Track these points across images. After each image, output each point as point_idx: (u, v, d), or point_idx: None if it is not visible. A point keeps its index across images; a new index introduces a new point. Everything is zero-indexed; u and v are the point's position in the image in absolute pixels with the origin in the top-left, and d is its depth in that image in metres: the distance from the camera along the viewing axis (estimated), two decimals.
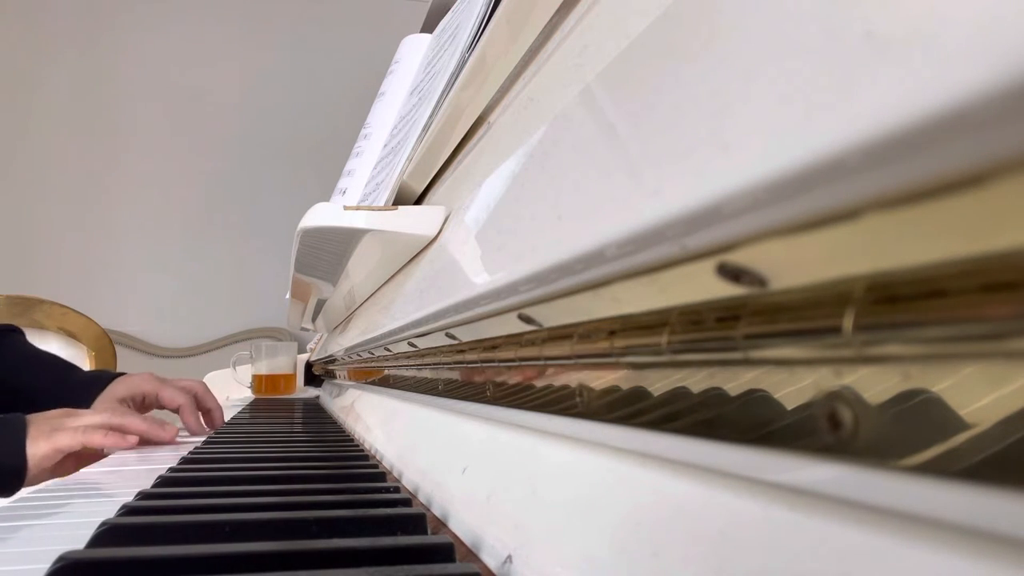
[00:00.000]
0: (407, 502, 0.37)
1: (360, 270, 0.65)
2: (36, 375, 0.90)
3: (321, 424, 0.91)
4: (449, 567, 0.26)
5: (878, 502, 0.13)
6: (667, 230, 0.16)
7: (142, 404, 0.92)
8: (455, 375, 0.42)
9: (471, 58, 0.45)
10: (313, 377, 1.64)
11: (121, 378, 0.94)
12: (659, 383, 0.19)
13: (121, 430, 0.77)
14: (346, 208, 0.51)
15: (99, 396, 0.90)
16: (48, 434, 0.75)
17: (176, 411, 0.92)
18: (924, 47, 0.09)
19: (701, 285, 0.16)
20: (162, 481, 0.45)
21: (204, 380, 1.18)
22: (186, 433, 0.90)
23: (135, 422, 0.78)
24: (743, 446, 0.16)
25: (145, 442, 0.79)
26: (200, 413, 0.93)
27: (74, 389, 0.92)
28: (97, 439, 0.75)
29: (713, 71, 0.15)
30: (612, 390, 0.22)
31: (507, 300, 0.28)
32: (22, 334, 1.06)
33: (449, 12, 0.70)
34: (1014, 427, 0.10)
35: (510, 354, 0.30)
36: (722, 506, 0.17)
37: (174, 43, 2.73)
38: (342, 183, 0.84)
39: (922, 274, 0.11)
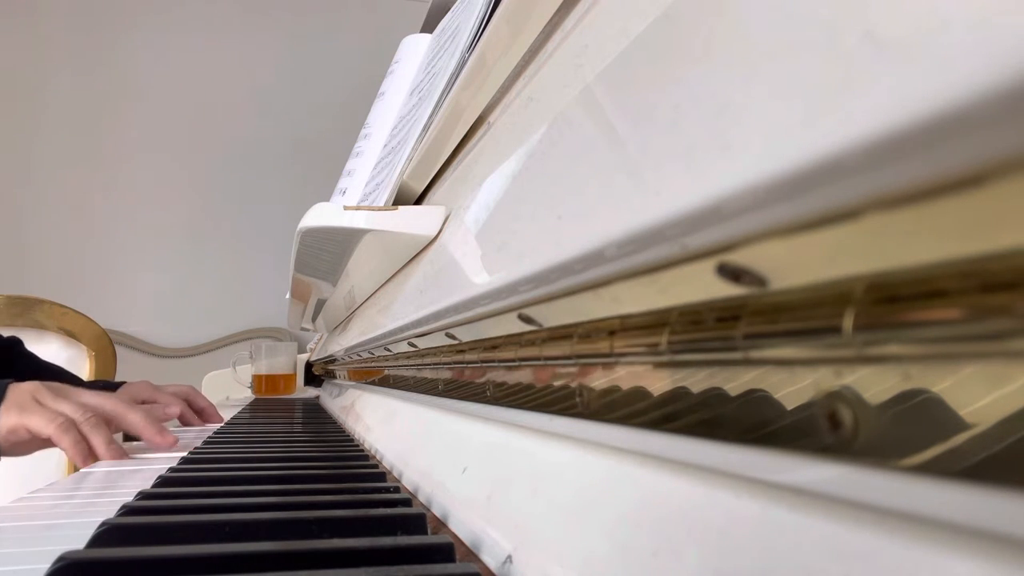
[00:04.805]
0: (407, 502, 0.37)
1: (360, 270, 0.65)
2: None
3: (321, 424, 0.91)
4: (449, 567, 0.26)
5: (878, 502, 0.13)
6: (667, 230, 0.16)
7: None
8: (455, 375, 0.42)
9: (471, 58, 0.45)
10: (313, 377, 1.64)
11: (123, 387, 0.98)
12: (659, 383, 0.19)
13: (86, 439, 0.69)
14: (346, 208, 0.51)
15: None
16: (22, 408, 0.70)
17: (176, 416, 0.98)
18: (924, 47, 0.09)
19: (701, 285, 0.16)
20: (162, 481, 0.45)
21: (204, 380, 1.19)
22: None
23: (99, 442, 0.69)
24: (743, 446, 0.16)
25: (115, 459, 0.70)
26: (195, 412, 1.00)
27: None
28: (65, 444, 0.68)
29: (713, 71, 0.15)
30: (612, 390, 0.22)
31: (507, 300, 0.28)
32: (23, 344, 1.09)
33: (449, 12, 0.70)
34: (1014, 427, 0.10)
35: (510, 354, 0.30)
36: (722, 506, 0.17)
37: (173, 43, 2.73)
38: (342, 183, 0.84)
39: (922, 274, 0.11)
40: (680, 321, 0.17)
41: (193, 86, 2.73)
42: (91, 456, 0.69)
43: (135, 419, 0.74)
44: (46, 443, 0.72)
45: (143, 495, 0.39)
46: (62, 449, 0.69)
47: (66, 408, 0.71)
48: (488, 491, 0.32)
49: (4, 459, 0.74)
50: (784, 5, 0.13)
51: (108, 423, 0.73)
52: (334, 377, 1.34)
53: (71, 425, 0.69)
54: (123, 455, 0.70)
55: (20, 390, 0.72)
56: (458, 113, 0.48)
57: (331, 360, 1.18)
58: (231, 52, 2.77)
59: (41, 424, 0.69)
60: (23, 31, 2.63)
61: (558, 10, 0.36)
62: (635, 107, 0.19)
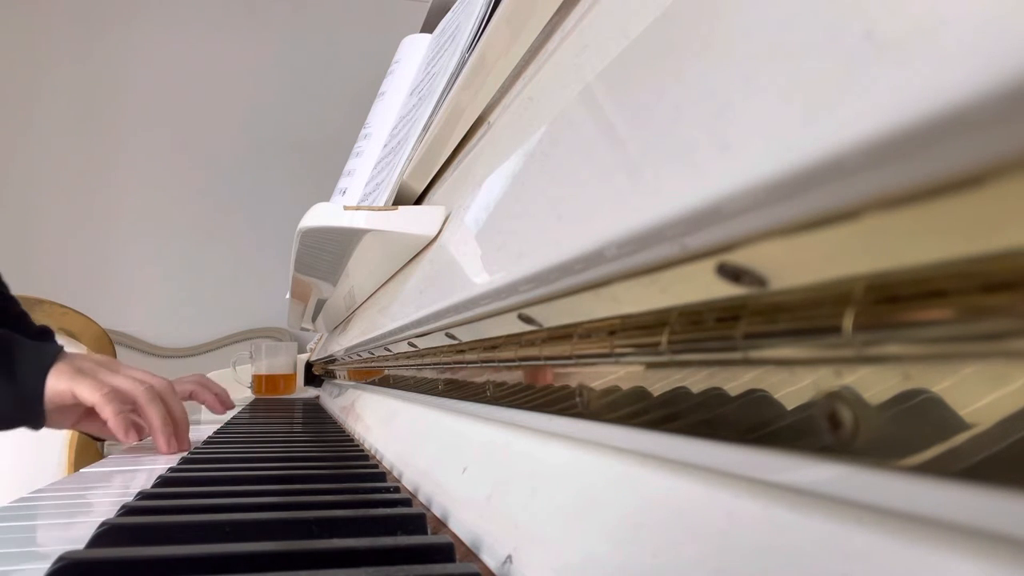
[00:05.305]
0: (407, 502, 0.37)
1: (360, 270, 0.65)
2: None
3: (321, 424, 0.91)
4: (449, 567, 0.26)
5: (878, 502, 0.13)
6: (667, 230, 0.16)
7: None
8: (455, 375, 0.42)
9: (471, 58, 0.45)
10: (313, 377, 1.64)
11: None
12: (659, 383, 0.19)
13: (142, 411, 0.71)
14: (346, 208, 0.51)
15: None
16: (73, 374, 0.70)
17: (189, 397, 0.96)
18: (924, 47, 0.09)
19: (701, 285, 0.16)
20: (162, 481, 0.45)
21: None
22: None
23: (156, 415, 0.71)
24: (743, 446, 0.16)
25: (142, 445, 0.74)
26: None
27: None
28: (108, 412, 0.68)
29: (713, 71, 0.15)
30: (612, 390, 0.22)
31: (507, 300, 0.28)
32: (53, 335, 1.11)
33: (449, 12, 0.70)
34: (1014, 427, 0.10)
35: (510, 354, 0.30)
36: (722, 506, 0.17)
37: (173, 44, 2.73)
38: (342, 183, 0.84)
39: (922, 274, 0.11)
40: (680, 321, 0.17)
41: (193, 85, 2.73)
42: (133, 431, 0.70)
43: (155, 421, 0.72)
44: (86, 415, 0.72)
45: (143, 495, 0.39)
46: (104, 419, 0.69)
47: (119, 381, 0.71)
48: (488, 491, 0.32)
49: (43, 431, 0.74)
50: (784, 5, 0.13)
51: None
52: (334, 377, 1.34)
53: (116, 396, 0.69)
54: (175, 436, 0.71)
55: (75, 357, 0.73)
56: (458, 113, 0.48)
57: (331, 360, 1.18)
58: (231, 52, 2.77)
59: (88, 391, 0.69)
60: (22, 29, 2.63)
61: (558, 10, 0.36)
62: (635, 107, 0.19)
